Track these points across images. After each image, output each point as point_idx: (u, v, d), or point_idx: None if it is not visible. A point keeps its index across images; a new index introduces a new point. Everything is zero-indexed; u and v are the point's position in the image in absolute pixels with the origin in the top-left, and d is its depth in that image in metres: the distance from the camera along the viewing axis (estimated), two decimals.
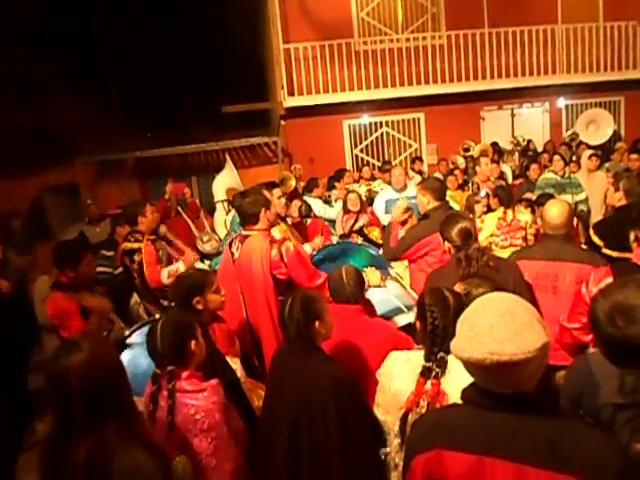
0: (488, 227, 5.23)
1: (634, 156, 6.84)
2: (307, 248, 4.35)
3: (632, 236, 2.68)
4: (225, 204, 7.04)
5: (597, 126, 9.77)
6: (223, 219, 6.76)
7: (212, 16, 14.18)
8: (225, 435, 2.09)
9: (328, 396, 2.20)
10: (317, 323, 2.37)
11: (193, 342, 2.21)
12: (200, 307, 2.72)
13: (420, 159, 10.26)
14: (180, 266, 4.16)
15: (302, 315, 2.35)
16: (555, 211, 3.06)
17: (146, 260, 4.22)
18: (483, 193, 6.10)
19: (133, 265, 4.25)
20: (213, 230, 6.71)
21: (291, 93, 10.87)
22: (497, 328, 1.32)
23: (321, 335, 2.42)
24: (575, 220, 3.51)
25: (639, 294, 1.67)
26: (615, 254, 3.29)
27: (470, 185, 7.06)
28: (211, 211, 7.47)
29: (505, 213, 5.24)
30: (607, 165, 8.05)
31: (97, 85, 13.13)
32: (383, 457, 2.23)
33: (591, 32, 11.43)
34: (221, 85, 14.08)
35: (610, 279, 2.36)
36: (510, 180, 7.98)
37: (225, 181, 7.40)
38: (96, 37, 13.99)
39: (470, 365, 1.39)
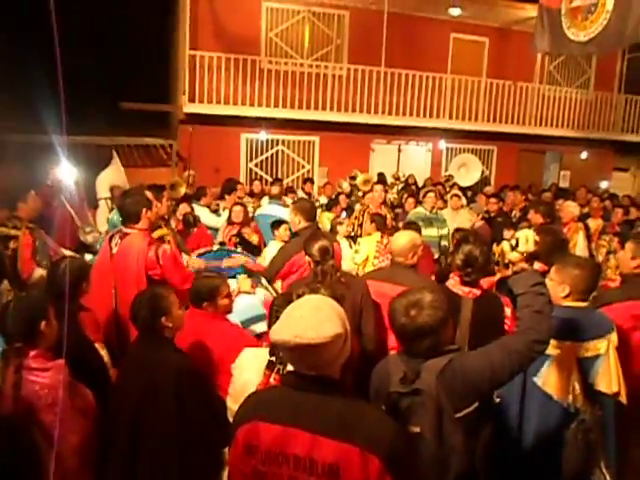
0: (365, 249, 5.68)
1: (493, 200, 7.73)
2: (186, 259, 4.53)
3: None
4: (108, 202, 6.98)
5: (467, 169, 10.84)
6: (105, 216, 6.70)
7: (122, 12, 13.88)
8: (70, 409, 2.26)
9: (170, 386, 2.43)
10: (163, 318, 2.62)
11: (44, 322, 2.34)
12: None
13: (311, 180, 10.72)
14: None
15: (148, 311, 2.60)
16: (402, 240, 3.54)
17: (21, 251, 4.22)
18: (344, 215, 6.62)
19: (6, 252, 4.21)
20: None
21: (192, 99, 10.95)
22: (304, 318, 1.64)
23: (169, 329, 2.67)
24: None
25: (423, 291, 2.08)
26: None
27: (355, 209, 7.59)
28: (94, 206, 7.35)
29: (382, 237, 5.75)
30: (472, 205, 8.96)
31: None
32: None
33: (474, 85, 12.69)
34: (122, 82, 13.76)
35: None
36: None
37: (110, 178, 7.29)
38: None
39: (280, 347, 1.70)
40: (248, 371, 2.67)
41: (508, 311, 2.97)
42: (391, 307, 2.12)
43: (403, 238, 3.57)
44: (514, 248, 2.64)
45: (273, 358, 2.45)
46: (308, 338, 1.59)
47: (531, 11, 11.25)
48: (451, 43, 13.23)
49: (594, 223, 7.38)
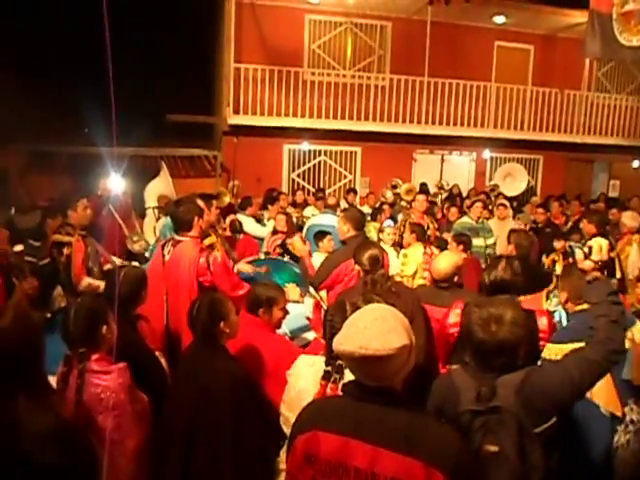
0: (414, 260, 5.63)
1: (540, 210, 7.56)
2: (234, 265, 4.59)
3: None
4: (156, 211, 7.12)
5: (513, 179, 10.63)
6: (152, 225, 6.85)
7: (169, 25, 14.27)
8: (129, 413, 2.28)
9: (225, 394, 2.43)
10: (222, 323, 2.63)
11: (104, 327, 2.39)
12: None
13: (354, 191, 10.72)
14: (102, 285, 4.19)
15: (207, 315, 2.61)
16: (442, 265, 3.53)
17: (74, 256, 4.34)
18: (387, 223, 6.55)
19: (61, 258, 4.34)
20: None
21: (236, 111, 11.13)
22: (369, 328, 1.61)
23: (226, 334, 2.67)
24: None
25: (505, 306, 2.03)
26: None
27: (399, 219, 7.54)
28: (142, 215, 7.52)
29: (426, 248, 5.69)
30: (519, 216, 8.78)
31: (37, 74, 12.85)
32: None
33: (519, 93, 12.46)
34: (168, 94, 14.10)
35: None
36: None
37: (158, 188, 7.46)
38: (40, 23, 13.69)
39: (344, 357, 1.68)
40: (304, 379, 2.66)
41: (544, 321, 2.89)
42: (469, 320, 2.07)
43: (444, 263, 3.55)
44: (587, 257, 2.58)
45: (329, 368, 2.43)
46: (373, 349, 1.57)
47: (578, 17, 11.03)
48: (495, 51, 13.06)
49: None
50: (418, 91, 11.70)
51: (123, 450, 2.27)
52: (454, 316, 3.01)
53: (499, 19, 12.18)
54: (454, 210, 8.28)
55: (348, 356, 1.63)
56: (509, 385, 1.93)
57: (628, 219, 6.39)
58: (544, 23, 12.51)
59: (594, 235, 5.44)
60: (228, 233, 6.01)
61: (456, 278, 3.53)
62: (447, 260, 3.59)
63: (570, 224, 7.78)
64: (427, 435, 1.59)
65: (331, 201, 7.85)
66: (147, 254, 5.88)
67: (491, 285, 2.96)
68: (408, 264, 5.55)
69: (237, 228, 6.13)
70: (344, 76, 11.70)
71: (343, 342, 1.64)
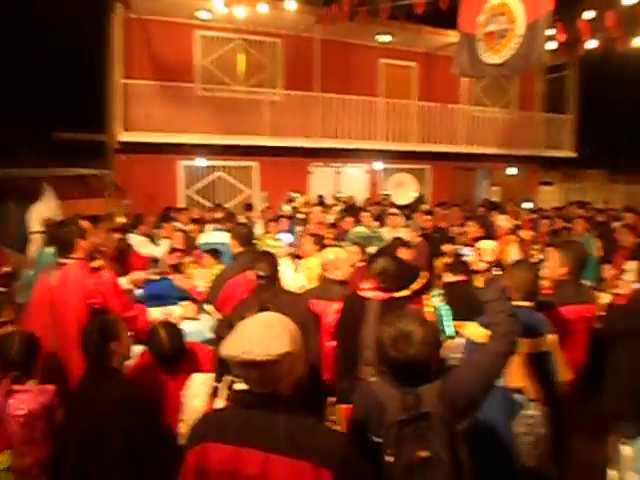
0: (314, 270, 5.74)
1: (427, 217, 8.00)
2: (124, 281, 4.47)
3: None
4: (41, 236, 6.73)
5: (404, 189, 11.18)
6: (39, 251, 6.47)
7: (54, 40, 13.63)
8: (41, 430, 2.38)
9: (113, 417, 2.38)
10: (113, 343, 2.59)
11: (37, 355, 2.68)
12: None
13: (252, 206, 10.73)
14: None
15: (98, 335, 2.56)
16: (331, 257, 3.71)
17: None
18: (282, 236, 6.67)
19: None
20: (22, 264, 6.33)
21: (127, 128, 10.81)
22: (254, 335, 1.66)
23: (118, 355, 2.62)
24: None
25: (414, 322, 2.08)
26: None
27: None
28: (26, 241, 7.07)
29: None
30: (409, 223, 9.21)
31: None
32: None
33: (406, 108, 13.17)
34: (55, 112, 13.45)
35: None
36: None
37: (42, 211, 7.06)
38: None
39: (229, 362, 1.70)
40: (198, 397, 2.67)
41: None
42: (379, 338, 2.10)
43: (328, 253, 3.78)
44: (481, 258, 2.80)
45: (219, 384, 2.45)
46: (254, 355, 1.62)
47: (453, 37, 11.84)
48: (382, 68, 13.74)
49: (525, 234, 7.73)
50: (311, 106, 12.00)
51: (29, 460, 2.28)
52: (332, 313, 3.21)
53: (384, 38, 12.83)
54: (350, 219, 8.54)
55: (231, 360, 1.66)
56: (431, 389, 2.00)
57: (503, 221, 6.93)
58: (425, 42, 13.34)
59: (479, 238, 5.82)
60: (114, 252, 5.82)
61: (341, 274, 3.69)
62: (331, 252, 3.82)
63: (455, 229, 8.27)
64: (313, 437, 1.65)
65: (218, 216, 7.83)
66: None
67: (381, 271, 3.18)
68: (311, 274, 5.66)
69: (124, 250, 5.94)
70: (237, 91, 11.74)
71: (228, 347, 1.68)
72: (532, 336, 2.84)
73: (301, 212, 9.00)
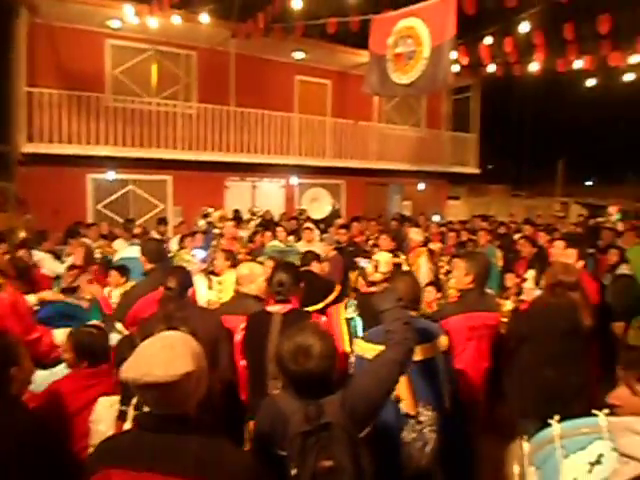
0: (229, 286, 5.66)
1: (342, 230, 8.17)
2: (31, 299, 4.24)
3: None
4: None
5: (319, 203, 11.37)
6: None
7: None
8: None
9: (13, 454, 2.24)
10: (13, 369, 2.43)
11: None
12: None
13: (165, 220, 10.50)
14: None
15: None
16: (245, 271, 3.69)
17: None
18: (195, 252, 6.58)
19: None
20: None
21: (31, 139, 10.26)
22: (155, 356, 1.63)
23: (19, 381, 2.47)
24: None
25: (313, 335, 2.08)
26: None
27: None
28: None
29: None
30: (324, 236, 9.37)
31: None
32: None
33: (320, 124, 13.42)
34: None
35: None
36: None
37: None
38: None
39: (130, 385, 1.65)
40: (104, 422, 2.58)
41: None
42: (279, 352, 2.10)
43: (243, 268, 3.76)
44: (377, 269, 2.88)
45: (124, 408, 2.38)
46: (156, 376, 1.59)
47: (365, 57, 12.26)
48: (297, 84, 13.95)
49: (434, 246, 8.08)
50: (225, 120, 11.96)
51: None
52: (240, 330, 3.19)
53: (298, 55, 13.06)
54: (268, 234, 8.57)
55: (133, 383, 1.62)
56: (333, 400, 2.01)
57: (415, 234, 7.20)
58: (338, 60, 13.71)
59: (391, 250, 6.03)
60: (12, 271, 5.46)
61: (255, 289, 3.68)
62: (246, 267, 3.78)
63: (371, 242, 8.50)
64: (219, 457, 1.64)
65: (137, 231, 7.60)
66: None
67: (278, 283, 3.24)
68: (225, 290, 5.59)
69: (22, 268, 5.58)
70: (150, 103, 11.49)
71: (128, 370, 1.64)
72: (423, 342, 2.91)
73: (217, 227, 8.90)
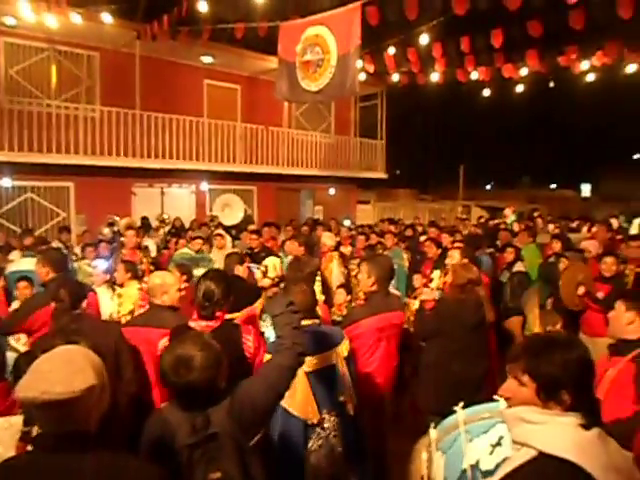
0: (129, 299, 5.43)
1: (254, 236, 8.16)
2: None
3: None
4: None
5: (231, 209, 11.27)
6: None
7: None
8: None
9: None
10: None
11: None
12: None
13: (68, 229, 9.97)
14: None
15: None
16: (157, 281, 3.52)
17: None
18: (97, 262, 6.26)
19: None
20: None
21: None
22: (53, 372, 1.54)
23: None
24: None
25: (194, 346, 2.03)
26: None
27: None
28: None
29: (141, 284, 5.53)
30: (237, 243, 9.31)
31: None
32: None
33: (230, 129, 13.31)
34: None
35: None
36: (154, 253, 8.45)
37: None
38: None
39: (27, 405, 1.57)
40: (2, 445, 2.41)
41: (249, 338, 3.07)
42: (160, 363, 2.06)
43: (154, 278, 3.57)
44: (265, 275, 2.88)
45: (27, 428, 2.25)
46: (57, 394, 1.51)
47: (274, 63, 12.32)
48: (206, 89, 13.76)
49: (345, 250, 8.26)
50: (131, 124, 11.55)
51: None
52: (164, 341, 3.03)
53: (207, 59, 12.91)
54: (183, 241, 8.38)
55: (30, 403, 1.54)
56: (221, 408, 1.98)
57: (327, 239, 7.32)
58: (247, 66, 13.67)
59: (302, 255, 6.09)
60: None
61: (168, 299, 3.53)
62: (157, 276, 3.61)
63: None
64: (122, 473, 1.59)
65: (28, 242, 7.17)
66: None
67: (204, 295, 3.04)
68: (124, 303, 5.37)
69: None
70: (49, 106, 10.87)
71: (24, 389, 1.54)
72: (317, 352, 2.96)
73: (125, 236, 8.57)
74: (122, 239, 8.47)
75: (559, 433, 1.49)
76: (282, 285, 3.38)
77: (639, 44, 9.42)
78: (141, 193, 12.60)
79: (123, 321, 4.97)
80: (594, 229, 8.52)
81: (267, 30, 8.82)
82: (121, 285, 5.54)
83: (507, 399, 1.65)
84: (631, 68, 10.34)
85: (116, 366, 3.02)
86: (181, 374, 1.95)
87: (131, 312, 5.09)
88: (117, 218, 8.93)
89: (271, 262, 3.06)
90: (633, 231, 8.64)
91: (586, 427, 1.49)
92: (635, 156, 39.86)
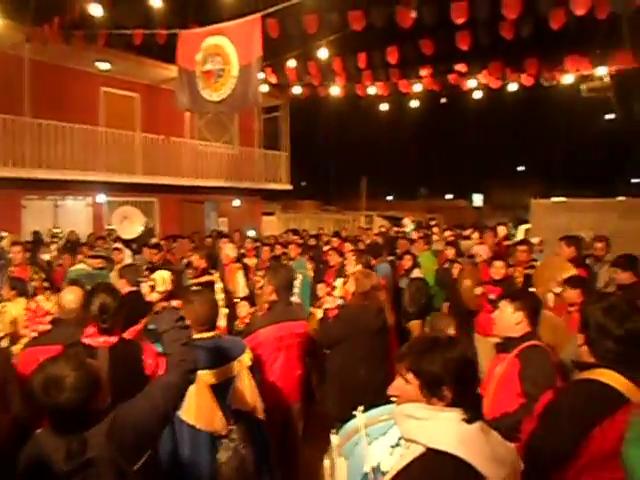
0: (9, 317, 5.02)
1: (154, 250, 7.92)
2: None
3: None
4: None
5: (130, 222, 10.84)
6: None
7: None
8: None
9: None
10: None
11: None
12: None
13: None
14: None
15: None
16: (70, 297, 3.28)
17: None
18: None
19: None
20: None
21: None
22: None
23: None
24: None
25: (67, 366, 1.87)
26: None
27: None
28: None
29: (29, 302, 5.17)
30: (137, 257, 8.96)
31: None
32: None
33: (129, 139, 12.85)
34: None
35: None
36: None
37: None
38: None
39: None
40: None
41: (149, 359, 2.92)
42: (30, 384, 1.88)
43: (69, 294, 3.29)
44: (153, 289, 2.78)
45: None
46: None
47: (175, 71, 12.08)
48: (103, 96, 13.22)
49: (249, 261, 8.22)
50: (20, 132, 10.85)
51: None
52: None
53: (103, 65, 12.37)
54: (80, 257, 7.94)
55: None
56: (100, 431, 1.85)
57: (229, 250, 7.25)
58: (146, 73, 13.31)
59: (204, 268, 5.95)
60: None
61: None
62: (72, 292, 3.33)
63: (185, 261, 8.32)
64: None
65: None
66: None
67: (100, 308, 2.85)
68: (3, 322, 4.97)
69: None
70: None
71: None
72: (219, 365, 2.94)
73: (10, 253, 7.99)
74: (10, 256, 7.93)
75: (443, 428, 1.56)
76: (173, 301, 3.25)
77: (520, 64, 10.25)
78: (32, 206, 11.83)
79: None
80: (484, 236, 9.09)
81: (166, 38, 8.63)
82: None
83: (396, 397, 1.71)
84: (513, 87, 11.22)
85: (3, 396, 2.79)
86: (52, 395, 1.80)
87: (12, 333, 4.74)
88: (4, 234, 8.33)
89: (160, 276, 2.95)
90: (519, 237, 9.29)
91: (468, 421, 1.57)
92: (519, 168, 43.14)
